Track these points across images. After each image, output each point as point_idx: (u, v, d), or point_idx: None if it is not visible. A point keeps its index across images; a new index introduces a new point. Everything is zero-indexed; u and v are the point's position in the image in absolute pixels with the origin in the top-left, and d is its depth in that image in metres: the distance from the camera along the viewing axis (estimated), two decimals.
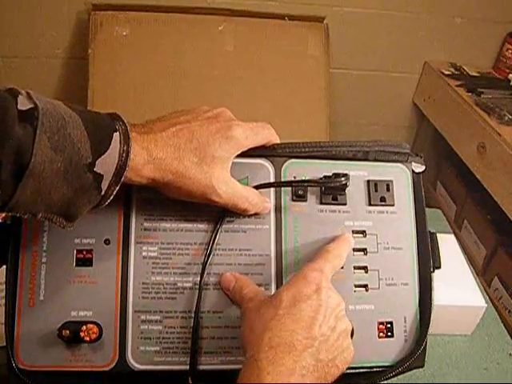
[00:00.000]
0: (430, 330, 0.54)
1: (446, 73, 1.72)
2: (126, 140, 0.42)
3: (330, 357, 0.44)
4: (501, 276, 1.50)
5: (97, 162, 0.40)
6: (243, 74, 1.56)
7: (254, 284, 0.51)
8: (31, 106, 0.38)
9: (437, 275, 0.55)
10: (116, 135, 0.41)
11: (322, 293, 0.45)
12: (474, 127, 1.50)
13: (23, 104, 0.38)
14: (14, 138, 0.36)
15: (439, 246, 0.56)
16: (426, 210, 0.56)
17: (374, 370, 0.53)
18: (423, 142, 1.95)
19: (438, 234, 0.56)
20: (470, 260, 0.92)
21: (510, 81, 1.71)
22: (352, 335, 0.50)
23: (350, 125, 1.89)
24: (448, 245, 0.84)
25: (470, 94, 1.60)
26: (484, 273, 1.59)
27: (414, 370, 0.54)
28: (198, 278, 0.51)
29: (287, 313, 0.44)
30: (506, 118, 1.44)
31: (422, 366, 0.54)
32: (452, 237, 0.88)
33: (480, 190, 1.50)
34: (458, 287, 0.76)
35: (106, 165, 0.41)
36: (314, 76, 1.60)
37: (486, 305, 0.74)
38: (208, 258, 0.51)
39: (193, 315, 0.50)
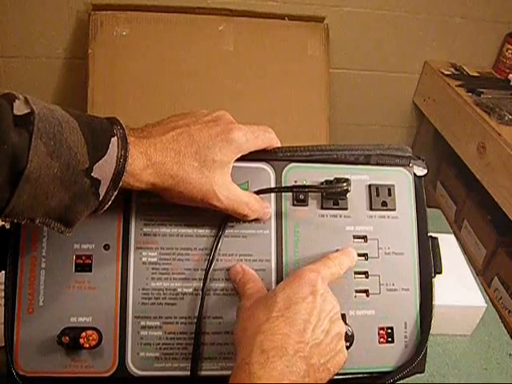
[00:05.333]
0: (430, 331, 0.53)
1: (446, 73, 1.72)
2: (123, 145, 0.41)
3: (322, 361, 0.43)
4: (501, 276, 1.50)
5: (94, 167, 0.40)
6: (243, 74, 1.55)
7: (259, 280, 0.50)
8: (27, 111, 0.38)
9: (437, 275, 0.55)
10: (114, 140, 0.41)
11: (317, 295, 0.45)
12: (474, 127, 1.50)
13: (19, 109, 0.38)
14: (9, 144, 0.36)
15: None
16: (427, 211, 0.56)
17: (374, 375, 0.53)
18: (423, 142, 1.95)
19: (437, 235, 0.56)
20: (470, 260, 0.92)
21: (510, 81, 1.71)
22: (352, 341, 0.50)
23: (349, 125, 1.89)
24: (448, 245, 0.84)
25: (470, 93, 1.60)
26: (484, 273, 1.59)
27: None
28: (199, 284, 0.50)
29: (281, 315, 0.43)
30: (506, 117, 1.44)
31: (423, 372, 0.53)
32: (452, 237, 0.88)
33: (480, 190, 1.50)
34: (458, 287, 0.76)
35: (104, 170, 0.40)
36: (314, 76, 1.59)
37: (485, 305, 0.74)
38: (211, 265, 0.50)
39: (193, 321, 0.50)
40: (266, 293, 0.48)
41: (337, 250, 0.52)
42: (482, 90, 1.60)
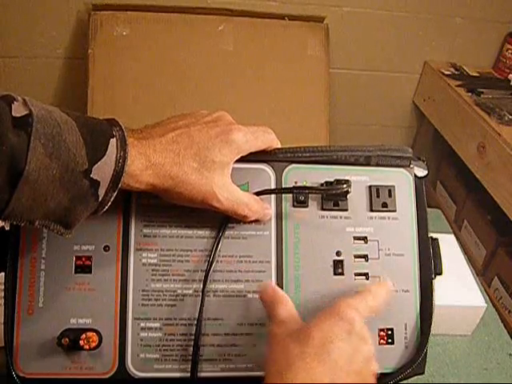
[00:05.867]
0: (431, 332, 0.53)
1: (446, 73, 1.72)
2: (122, 146, 0.41)
3: None
4: (501, 276, 1.50)
5: (93, 169, 0.40)
6: (243, 74, 1.55)
7: (289, 302, 0.48)
8: (26, 112, 0.38)
9: (437, 276, 0.55)
10: (113, 141, 0.41)
11: (353, 334, 0.43)
12: (474, 127, 1.50)
13: (18, 111, 0.38)
14: (8, 146, 0.36)
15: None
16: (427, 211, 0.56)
17: None
18: (423, 142, 1.95)
19: (437, 235, 0.56)
20: (470, 260, 0.91)
21: (510, 81, 1.71)
22: None
23: (349, 125, 1.89)
24: (448, 245, 0.84)
25: (470, 93, 1.60)
26: (484, 273, 1.59)
27: None
28: (199, 285, 0.50)
29: (314, 353, 0.41)
30: (506, 117, 1.44)
31: (423, 373, 0.53)
32: (452, 237, 0.88)
33: (480, 190, 1.50)
34: (458, 287, 0.76)
35: (103, 171, 0.40)
36: (314, 76, 1.59)
37: (485, 305, 0.74)
38: (211, 266, 0.50)
39: (193, 322, 0.50)
40: (298, 321, 0.46)
41: (337, 252, 0.52)
42: (481, 89, 1.60)
